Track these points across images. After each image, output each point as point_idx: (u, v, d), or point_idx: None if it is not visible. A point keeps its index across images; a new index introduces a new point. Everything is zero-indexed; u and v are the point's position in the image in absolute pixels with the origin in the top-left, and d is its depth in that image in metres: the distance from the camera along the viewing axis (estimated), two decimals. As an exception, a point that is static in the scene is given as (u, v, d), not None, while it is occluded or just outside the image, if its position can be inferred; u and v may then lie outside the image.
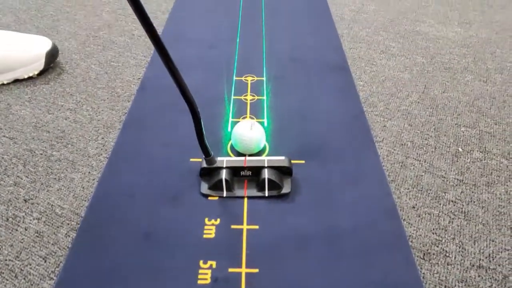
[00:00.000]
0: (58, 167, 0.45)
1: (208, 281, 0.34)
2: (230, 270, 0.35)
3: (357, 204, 0.41)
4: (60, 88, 0.57)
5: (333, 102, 0.55)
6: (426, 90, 0.58)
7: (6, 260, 0.35)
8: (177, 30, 0.72)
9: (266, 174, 0.41)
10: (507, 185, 0.43)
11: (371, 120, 0.52)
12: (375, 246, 0.37)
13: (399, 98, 0.57)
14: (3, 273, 0.34)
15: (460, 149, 0.48)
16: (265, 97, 0.55)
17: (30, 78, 0.58)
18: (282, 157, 0.42)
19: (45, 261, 0.35)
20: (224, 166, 0.41)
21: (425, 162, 0.46)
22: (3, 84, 0.57)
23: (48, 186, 0.42)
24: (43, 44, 0.59)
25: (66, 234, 0.38)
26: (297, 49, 0.66)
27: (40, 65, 0.58)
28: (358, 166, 0.45)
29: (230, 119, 0.52)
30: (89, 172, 0.44)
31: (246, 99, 0.55)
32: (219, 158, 0.42)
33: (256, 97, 0.56)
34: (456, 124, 0.52)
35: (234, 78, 0.59)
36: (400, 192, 0.43)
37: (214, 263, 0.35)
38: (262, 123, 0.50)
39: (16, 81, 0.58)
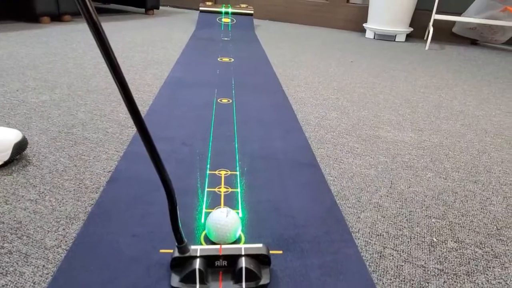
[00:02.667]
0: (8, 260, 0.40)
1: None
2: None
3: (340, 295, 0.38)
4: (23, 179, 0.54)
5: (306, 195, 0.55)
6: (393, 185, 0.61)
7: None
8: (151, 129, 0.74)
9: (243, 263, 0.38)
10: (486, 274, 0.43)
11: (344, 212, 0.53)
12: None
13: (369, 192, 0.58)
14: None
15: (434, 239, 0.48)
16: (239, 189, 0.55)
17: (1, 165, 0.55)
18: (260, 245, 0.40)
19: None
20: (198, 255, 0.38)
21: (403, 252, 0.46)
22: (-40, 174, 0.54)
23: (16, 277, 0.37)
24: (12, 136, 0.57)
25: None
26: (268, 149, 0.69)
27: (6, 155, 0.56)
28: (337, 257, 0.43)
29: (204, 210, 0.50)
30: (43, 266, 0.39)
31: (220, 191, 0.54)
32: (192, 247, 0.39)
33: (230, 189, 0.55)
34: (426, 215, 0.53)
35: (208, 172, 0.59)
36: (383, 283, 0.41)
37: None
38: (237, 213, 0.49)
39: (-22, 171, 0.55)
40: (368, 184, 0.60)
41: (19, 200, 0.50)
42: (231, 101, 0.92)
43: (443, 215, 0.54)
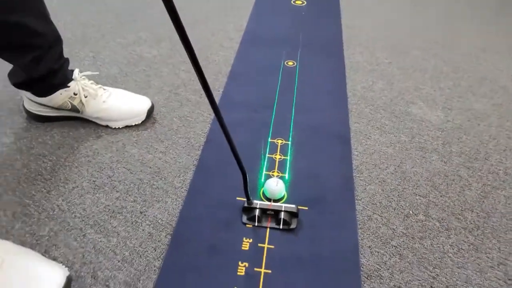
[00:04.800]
0: (158, 193, 0.74)
1: (243, 274, 0.61)
2: (255, 269, 0.62)
3: (333, 236, 0.67)
4: (154, 135, 0.87)
5: (332, 166, 0.81)
6: (401, 164, 0.84)
7: (134, 246, 0.64)
8: (232, 94, 1.01)
9: (282, 215, 0.68)
10: (432, 240, 0.69)
11: (356, 183, 0.79)
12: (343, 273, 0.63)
13: (380, 168, 0.82)
14: (132, 254, 0.63)
15: (410, 212, 0.74)
16: (288, 157, 0.83)
17: (135, 125, 0.88)
18: (293, 205, 0.69)
19: (155, 250, 0.64)
20: (257, 207, 0.69)
21: (384, 218, 0.72)
22: (118, 128, 0.87)
23: (153, 205, 0.72)
24: (145, 103, 0.88)
25: (165, 236, 0.67)
26: (316, 120, 0.93)
27: (143, 117, 0.88)
28: (341, 215, 0.72)
29: (264, 172, 0.79)
30: (175, 199, 0.73)
31: (276, 158, 0.83)
32: (255, 201, 0.70)
33: (283, 157, 0.83)
34: (414, 193, 0.77)
35: (269, 140, 0.87)
36: (363, 236, 0.69)
37: (247, 264, 0.63)
38: (284, 177, 0.78)
39: (127, 127, 0.87)
40: (382, 161, 0.84)
41: (155, 151, 0.83)
42: (295, 64, 1.13)
43: (426, 194, 0.77)
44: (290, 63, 1.13)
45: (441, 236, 0.70)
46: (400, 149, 0.88)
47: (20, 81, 0.78)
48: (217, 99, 0.98)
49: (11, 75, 0.79)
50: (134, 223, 0.68)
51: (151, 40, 1.20)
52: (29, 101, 0.84)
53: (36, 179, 0.75)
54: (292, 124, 0.92)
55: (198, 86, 1.02)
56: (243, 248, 0.66)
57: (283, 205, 0.69)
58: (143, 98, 0.89)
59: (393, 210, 0.74)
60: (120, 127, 0.87)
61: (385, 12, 1.49)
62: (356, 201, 0.75)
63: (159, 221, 0.69)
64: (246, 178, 0.64)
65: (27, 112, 0.86)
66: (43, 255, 0.61)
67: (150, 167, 0.79)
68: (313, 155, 0.84)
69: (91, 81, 0.86)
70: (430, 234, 0.70)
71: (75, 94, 0.82)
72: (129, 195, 0.73)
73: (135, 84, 1.02)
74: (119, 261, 0.63)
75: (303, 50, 1.20)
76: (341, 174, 0.80)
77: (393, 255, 0.66)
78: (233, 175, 0.77)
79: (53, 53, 0.77)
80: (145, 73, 1.06)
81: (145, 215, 0.70)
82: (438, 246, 0.68)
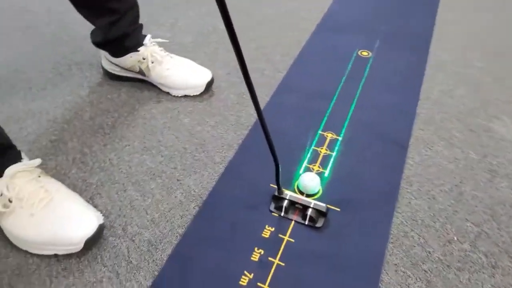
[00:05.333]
0: (197, 164, 0.77)
1: (256, 260, 0.62)
2: (269, 258, 0.62)
3: (359, 244, 0.64)
4: (208, 108, 0.89)
5: (380, 172, 0.76)
6: (460, 184, 0.75)
7: (163, 210, 0.69)
8: (292, 78, 0.98)
9: (309, 212, 0.66)
10: (472, 275, 0.61)
11: (401, 194, 0.73)
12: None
13: (434, 184, 0.75)
14: (160, 217, 0.68)
15: (455, 238, 0.66)
16: (334, 153, 0.79)
17: (193, 96, 0.91)
18: (323, 204, 0.67)
19: (181, 218, 0.68)
20: (287, 198, 0.68)
21: (423, 238, 0.66)
22: (177, 97, 0.91)
23: (190, 175, 0.75)
24: (206, 76, 0.91)
25: (193, 206, 0.70)
26: (374, 119, 0.87)
27: (201, 89, 0.91)
28: (372, 225, 0.67)
29: (304, 164, 0.77)
30: (213, 173, 0.75)
31: (321, 152, 0.80)
32: (285, 191, 0.69)
33: (328, 152, 0.80)
34: (465, 219, 0.69)
35: (319, 132, 0.84)
36: (392, 252, 0.64)
37: (262, 251, 0.63)
38: (323, 173, 0.75)
39: (185, 96, 0.91)
40: (438, 177, 0.76)
41: (205, 124, 0.85)
42: (370, 54, 1.06)
43: (480, 223, 0.69)
44: (365, 53, 1.06)
45: (483, 273, 0.62)
46: (464, 167, 0.78)
47: (98, 40, 0.86)
48: (277, 81, 0.97)
49: (92, 34, 0.87)
50: (169, 188, 0.72)
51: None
52: (106, 59, 0.92)
53: (97, 132, 0.83)
54: (348, 119, 0.87)
55: (262, 65, 1.02)
56: (263, 235, 0.66)
57: (313, 201, 0.67)
58: (205, 71, 0.92)
59: (435, 232, 0.67)
60: (179, 95, 0.91)
61: (491, 8, 1.30)
62: (395, 213, 0.70)
63: (192, 191, 0.72)
64: (279, 168, 0.63)
65: (103, 69, 0.94)
66: (87, 201, 0.69)
67: (197, 139, 0.82)
68: (361, 155, 0.79)
69: (161, 48, 0.91)
70: (471, 267, 0.62)
71: (143, 58, 0.88)
72: (171, 162, 0.77)
73: (204, 55, 1.05)
74: (148, 221, 0.67)
75: (383, 40, 1.11)
76: (387, 182, 0.74)
77: (420, 279, 0.61)
78: (272, 161, 0.76)
79: (128, 18, 0.83)
80: (215, 46, 1.08)
81: (181, 183, 0.73)
82: (477, 283, 0.61)
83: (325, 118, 0.87)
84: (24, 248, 0.62)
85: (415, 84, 0.97)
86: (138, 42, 0.87)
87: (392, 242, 0.65)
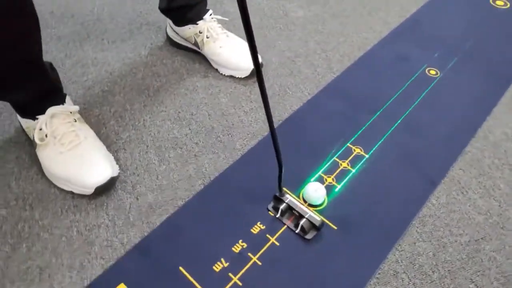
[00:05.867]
0: (218, 146, 0.80)
1: (236, 252, 0.64)
2: (249, 254, 0.64)
3: (343, 269, 0.62)
4: (248, 93, 0.91)
5: (395, 204, 0.71)
6: (481, 240, 0.67)
7: (172, 180, 0.73)
8: (344, 82, 0.94)
9: (302, 221, 0.66)
10: None
11: (409, 232, 0.68)
12: None
13: (450, 232, 0.68)
14: (167, 185, 0.73)
15: (449, 296, 0.61)
16: (354, 171, 0.76)
17: (238, 78, 0.93)
18: (319, 218, 0.65)
19: (185, 191, 0.72)
20: (286, 201, 0.68)
21: (413, 284, 0.62)
22: (224, 75, 0.94)
23: (207, 154, 0.78)
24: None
25: (199, 184, 0.73)
26: (412, 146, 0.80)
27: (247, 72, 0.92)
28: (364, 254, 0.64)
29: (319, 173, 0.76)
30: (228, 158, 0.78)
31: (341, 165, 0.77)
32: (287, 195, 0.68)
33: (349, 167, 0.77)
34: (470, 278, 0.63)
35: (347, 144, 0.80)
36: (374, 288, 0.61)
37: (245, 245, 0.65)
38: (334, 187, 0.73)
39: (231, 76, 0.93)
40: (459, 225, 0.69)
41: (239, 108, 0.87)
42: (438, 74, 0.96)
43: (484, 286, 0.62)
44: (433, 72, 0.97)
45: None
46: (495, 224, 0.70)
47: (163, 7, 0.91)
48: (326, 81, 0.94)
49: (160, 0, 0.93)
50: (184, 161, 0.77)
51: (305, 1, 1.18)
52: (169, 25, 0.97)
53: (143, 92, 0.90)
54: (384, 138, 0.82)
55: (317, 61, 0.99)
56: (252, 230, 0.67)
57: (310, 212, 0.66)
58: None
59: (429, 282, 0.62)
60: (226, 74, 0.94)
61: None
62: (394, 249, 0.66)
63: (203, 169, 0.76)
64: (281, 170, 0.63)
65: (166, 34, 1.00)
66: (112, 153, 0.76)
67: (227, 121, 0.84)
68: (382, 180, 0.75)
69: (220, 25, 0.93)
70: (453, 332, 0.57)
71: (200, 32, 0.91)
72: (196, 137, 0.81)
73: (263, 39, 1.05)
74: (156, 185, 0.73)
75: (460, 60, 1.00)
76: (398, 215, 0.70)
77: (391, 325, 0.58)
78: (290, 161, 0.76)
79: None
80: (278, 32, 1.07)
81: (197, 159, 0.77)
82: None
83: (360, 131, 0.83)
84: (50, 179, 0.71)
85: (477, 117, 0.87)
86: (199, 16, 0.90)
87: (377, 278, 0.63)
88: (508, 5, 1.20)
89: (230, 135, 0.82)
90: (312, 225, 0.66)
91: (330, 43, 1.04)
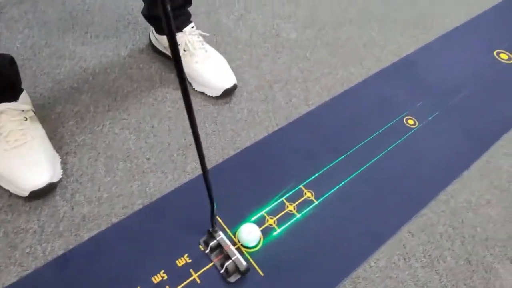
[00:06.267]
0: (169, 165, 0.78)
1: (155, 282, 0.63)
2: (167, 287, 0.63)
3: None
4: (215, 114, 0.88)
5: (331, 260, 0.69)
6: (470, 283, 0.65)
7: (113, 193, 0.72)
8: (322, 114, 0.91)
9: (228, 263, 0.64)
10: None
11: (367, 272, 0.66)
12: None
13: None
14: (107, 198, 0.72)
15: None
16: (299, 216, 0.74)
17: (209, 96, 0.91)
18: (245, 264, 0.64)
19: (122, 209, 0.71)
20: (217, 239, 0.66)
21: None
22: (196, 91, 0.92)
23: (156, 172, 0.77)
24: (227, 82, 0.89)
25: (139, 204, 0.72)
26: (368, 199, 0.77)
27: (218, 92, 0.89)
28: (284, 308, 0.63)
29: (262, 212, 0.73)
30: (175, 180, 0.76)
31: (286, 207, 0.75)
32: (220, 232, 0.67)
33: (294, 212, 0.74)
34: None
35: (300, 186, 0.78)
36: None
37: (165, 276, 0.64)
38: (273, 230, 0.71)
39: (203, 93, 0.91)
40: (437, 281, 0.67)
41: (201, 129, 0.85)
42: (416, 125, 0.92)
43: None
44: (411, 122, 0.93)
45: None
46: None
47: (145, 13, 0.89)
48: (299, 113, 0.91)
49: (143, 5, 0.91)
50: (131, 176, 0.76)
51: (301, 23, 1.15)
52: (152, 31, 0.95)
53: (110, 95, 0.89)
54: (339, 186, 0.79)
55: (295, 90, 0.96)
56: (177, 261, 0.66)
57: (237, 255, 0.65)
58: (229, 77, 0.90)
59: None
60: (198, 90, 0.92)
61: None
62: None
63: (147, 188, 0.74)
64: (213, 208, 0.62)
65: (149, 38, 0.99)
66: (62, 155, 0.76)
67: (185, 139, 0.83)
68: (325, 232, 0.72)
69: (200, 39, 0.91)
70: None
71: (178, 44, 0.89)
72: (149, 151, 0.80)
73: (248, 57, 1.02)
74: (95, 197, 0.72)
75: (443, 113, 0.95)
76: (331, 271, 0.68)
77: None
78: (237, 194, 0.74)
79: (175, 2, 0.84)
80: (265, 52, 1.05)
81: (144, 176, 0.76)
82: None
83: (317, 174, 0.80)
84: (-9, 174, 0.71)
85: (444, 179, 0.83)
86: (179, 27, 0.88)
87: (290, 336, 0.61)
88: (513, 60, 1.15)
89: (184, 156, 0.80)
90: (237, 269, 0.64)
91: (313, 72, 1.01)
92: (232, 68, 0.94)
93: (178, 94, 0.91)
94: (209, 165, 0.77)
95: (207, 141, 0.83)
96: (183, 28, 0.89)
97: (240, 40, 1.06)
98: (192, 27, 0.90)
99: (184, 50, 0.89)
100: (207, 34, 0.94)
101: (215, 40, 1.04)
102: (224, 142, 0.84)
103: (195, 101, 0.90)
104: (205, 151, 0.77)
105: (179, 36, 0.89)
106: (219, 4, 1.15)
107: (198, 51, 0.90)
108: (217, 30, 1.08)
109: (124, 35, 1.03)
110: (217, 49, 0.97)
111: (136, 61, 0.97)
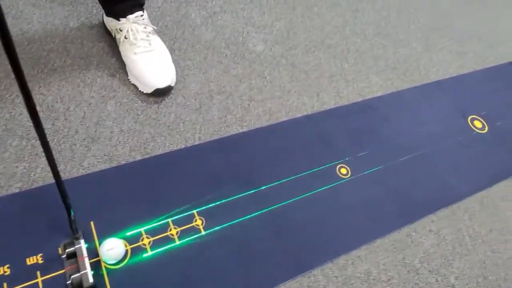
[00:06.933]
0: (67, 154, 0.74)
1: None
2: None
3: None
4: (138, 111, 0.84)
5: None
6: None
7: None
8: (238, 146, 0.86)
9: (74, 275, 0.60)
10: None
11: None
12: None
13: None
14: (-15, 174, 0.68)
15: None
16: (177, 242, 0.69)
17: (140, 91, 0.86)
18: (91, 281, 0.59)
19: (-5, 189, 0.67)
20: (75, 247, 0.62)
21: None
22: (129, 81, 0.87)
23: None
24: (161, 81, 0.83)
25: (17, 186, 0.68)
26: (254, 243, 0.72)
27: (148, 90, 0.84)
28: None
29: (142, 229, 0.69)
30: (67, 172, 0.72)
31: (170, 230, 0.70)
32: (82, 240, 0.62)
33: (175, 236, 0.70)
34: None
35: (194, 211, 0.73)
36: None
37: (9, 271, 0.60)
38: (144, 252, 0.67)
39: (135, 86, 0.86)
40: None
41: (118, 124, 0.81)
42: (349, 176, 0.86)
43: None
44: (343, 171, 0.87)
45: None
46: None
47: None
48: (229, 132, 0.86)
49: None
50: (21, 156, 0.72)
51: (273, 37, 1.08)
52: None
53: (38, 66, 0.84)
54: (234, 222, 0.74)
55: (235, 108, 0.91)
56: (27, 259, 0.62)
57: (88, 270, 0.60)
58: (166, 77, 0.85)
59: None
60: (131, 82, 0.87)
61: None
62: None
63: (32, 174, 0.71)
64: (70, 213, 0.58)
65: (102, 16, 0.94)
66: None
67: (96, 131, 0.78)
68: (196, 269, 0.68)
69: (147, 30, 0.86)
70: None
71: (120, 30, 0.84)
72: (52, 135, 0.76)
73: (202, 60, 0.97)
74: (-26, 169, 0.68)
75: (385, 170, 0.89)
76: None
77: None
78: (125, 204, 0.70)
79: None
80: (221, 58, 0.99)
81: (35, 159, 0.72)
82: None
83: (218, 202, 0.75)
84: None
85: (351, 241, 0.77)
86: (124, 13, 0.83)
87: None
88: (486, 129, 1.06)
89: (87, 148, 0.76)
90: (81, 284, 0.60)
91: (263, 93, 0.95)
92: (179, 68, 0.89)
93: (109, 81, 0.86)
94: (109, 165, 0.74)
95: (118, 138, 0.79)
96: (127, 15, 0.83)
97: (200, 40, 1.01)
98: (141, 16, 0.85)
99: (125, 38, 0.84)
100: (155, 27, 0.88)
101: (175, 34, 0.99)
102: (135, 144, 0.79)
103: (125, 93, 0.86)
104: (111, 149, 0.74)
105: (122, 22, 0.83)
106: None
107: (140, 42, 0.85)
108: (182, 23, 1.02)
109: (82, 7, 0.98)
110: (172, 44, 0.92)
111: (81, 36, 0.92)
